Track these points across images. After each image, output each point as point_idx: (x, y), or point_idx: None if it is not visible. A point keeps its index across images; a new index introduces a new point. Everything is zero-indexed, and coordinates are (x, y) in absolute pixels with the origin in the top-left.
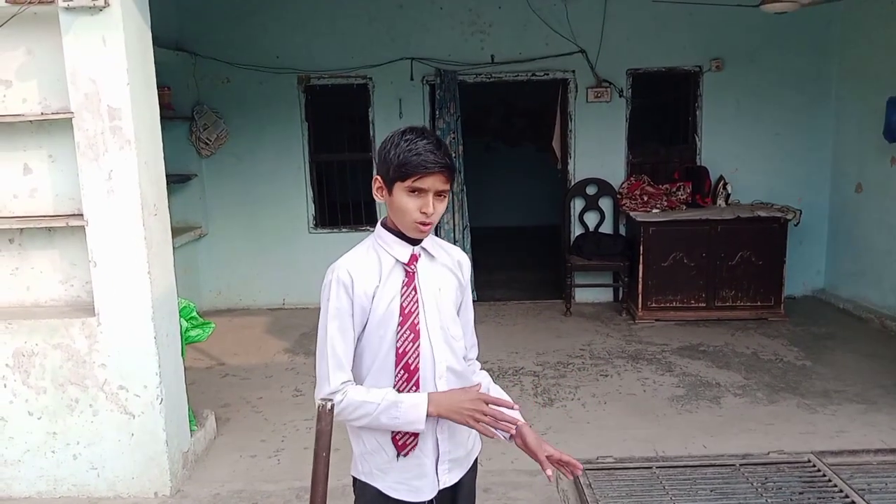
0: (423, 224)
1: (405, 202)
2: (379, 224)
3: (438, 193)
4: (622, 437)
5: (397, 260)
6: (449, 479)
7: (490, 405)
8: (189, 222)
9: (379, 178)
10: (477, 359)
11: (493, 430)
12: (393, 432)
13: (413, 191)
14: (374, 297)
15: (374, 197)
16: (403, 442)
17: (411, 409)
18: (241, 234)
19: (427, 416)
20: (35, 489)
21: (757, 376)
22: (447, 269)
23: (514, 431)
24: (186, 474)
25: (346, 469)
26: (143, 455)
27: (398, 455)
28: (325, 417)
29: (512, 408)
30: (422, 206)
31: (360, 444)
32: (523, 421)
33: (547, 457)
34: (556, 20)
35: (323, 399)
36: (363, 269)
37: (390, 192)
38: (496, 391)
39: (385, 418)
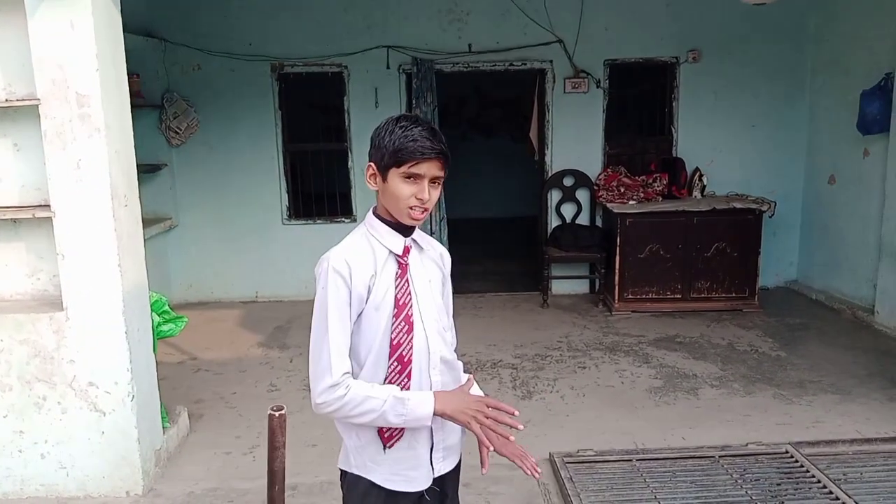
0: (416, 209)
1: (400, 188)
2: (370, 214)
3: (433, 180)
4: (601, 430)
5: (391, 251)
6: (444, 466)
7: (491, 409)
8: (158, 213)
9: (373, 164)
10: (455, 350)
11: (489, 436)
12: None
13: (409, 177)
14: (370, 288)
15: (367, 184)
16: (389, 434)
17: (419, 406)
18: (213, 225)
19: (434, 413)
20: (1, 490)
21: (733, 367)
22: (433, 262)
23: (512, 438)
24: (159, 472)
25: (322, 465)
26: (114, 453)
27: (384, 447)
28: (278, 427)
29: (512, 414)
30: (417, 192)
31: (353, 438)
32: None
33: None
34: (534, 9)
35: (273, 409)
36: (359, 258)
37: (384, 178)
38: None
39: (392, 416)
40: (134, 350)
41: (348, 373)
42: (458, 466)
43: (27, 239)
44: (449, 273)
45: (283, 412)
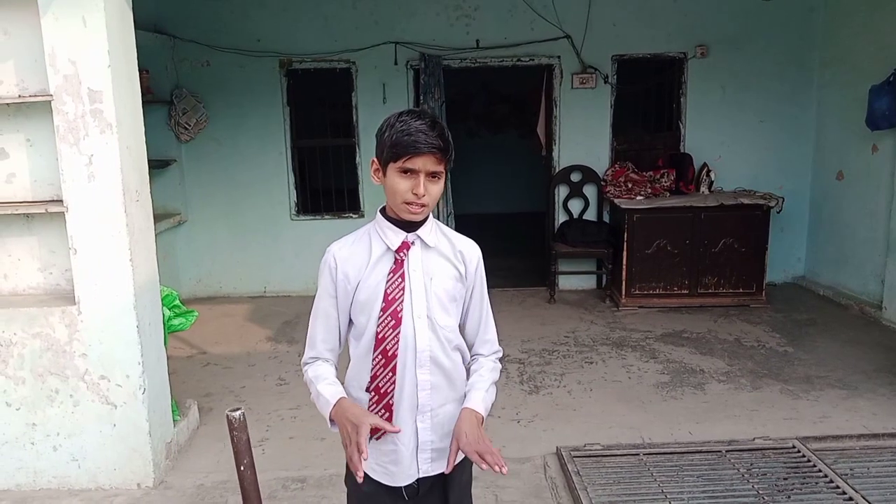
0: (413, 205)
1: (397, 183)
2: (379, 210)
3: (431, 175)
4: (608, 424)
5: (388, 247)
6: (432, 468)
7: (361, 436)
8: (168, 209)
9: (375, 160)
10: (501, 358)
11: (353, 460)
12: None
13: (405, 171)
14: (358, 283)
15: (371, 180)
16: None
17: (324, 405)
18: (222, 220)
19: (329, 417)
20: (14, 481)
21: (740, 363)
22: (444, 258)
23: (360, 475)
24: (170, 465)
25: (331, 458)
26: (125, 446)
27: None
28: (238, 427)
29: (360, 452)
30: (413, 186)
31: None
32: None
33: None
34: (542, 5)
35: (230, 411)
36: (351, 253)
37: (385, 173)
38: (478, 395)
39: (317, 404)
40: (145, 344)
41: (317, 358)
42: (460, 469)
43: (40, 233)
44: (476, 272)
45: (240, 411)
